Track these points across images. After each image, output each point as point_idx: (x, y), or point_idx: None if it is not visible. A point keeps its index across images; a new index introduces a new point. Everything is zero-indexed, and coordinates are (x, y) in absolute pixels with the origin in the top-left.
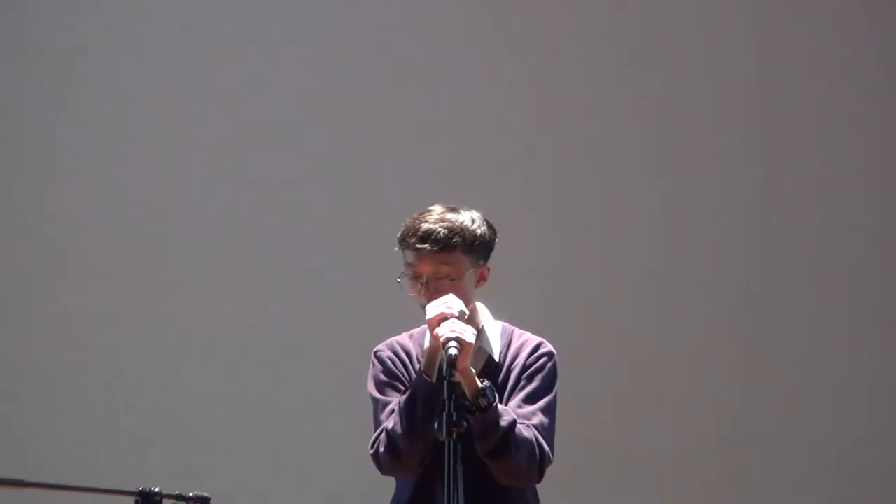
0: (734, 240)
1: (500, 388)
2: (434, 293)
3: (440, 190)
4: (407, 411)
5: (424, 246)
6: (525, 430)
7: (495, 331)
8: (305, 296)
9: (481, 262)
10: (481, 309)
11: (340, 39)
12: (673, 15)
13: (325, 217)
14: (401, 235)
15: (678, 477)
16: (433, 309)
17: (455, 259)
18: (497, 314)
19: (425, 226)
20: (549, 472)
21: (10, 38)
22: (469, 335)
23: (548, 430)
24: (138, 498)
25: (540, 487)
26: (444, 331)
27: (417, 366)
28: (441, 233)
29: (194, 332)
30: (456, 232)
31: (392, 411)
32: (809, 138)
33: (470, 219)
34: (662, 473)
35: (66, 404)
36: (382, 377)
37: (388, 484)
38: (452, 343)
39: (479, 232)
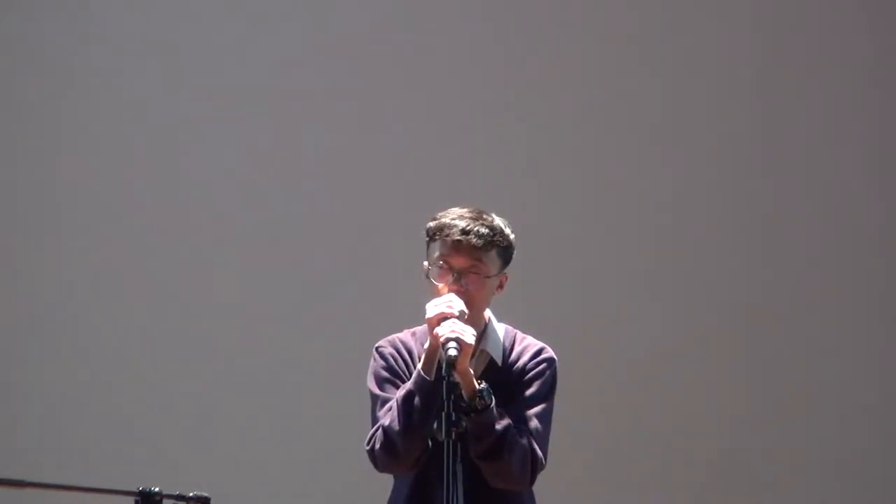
0: (734, 240)
1: (501, 392)
2: (463, 288)
3: (440, 190)
4: (404, 409)
5: (466, 238)
6: (519, 435)
7: (498, 333)
8: (304, 295)
9: (505, 270)
10: (486, 312)
11: (341, 39)
12: (674, 16)
13: (324, 217)
14: (435, 227)
15: (678, 477)
16: (433, 308)
17: (490, 258)
18: (499, 316)
19: (465, 221)
20: (547, 473)
21: (11, 37)
22: (469, 336)
23: (542, 436)
24: (138, 498)
25: (537, 489)
26: (443, 331)
27: (419, 364)
28: (482, 230)
29: (194, 333)
30: (496, 232)
31: (390, 408)
32: (810, 138)
33: (503, 223)
34: (662, 474)
35: (66, 404)
36: (383, 373)
37: (389, 484)
38: (452, 344)
39: (511, 238)
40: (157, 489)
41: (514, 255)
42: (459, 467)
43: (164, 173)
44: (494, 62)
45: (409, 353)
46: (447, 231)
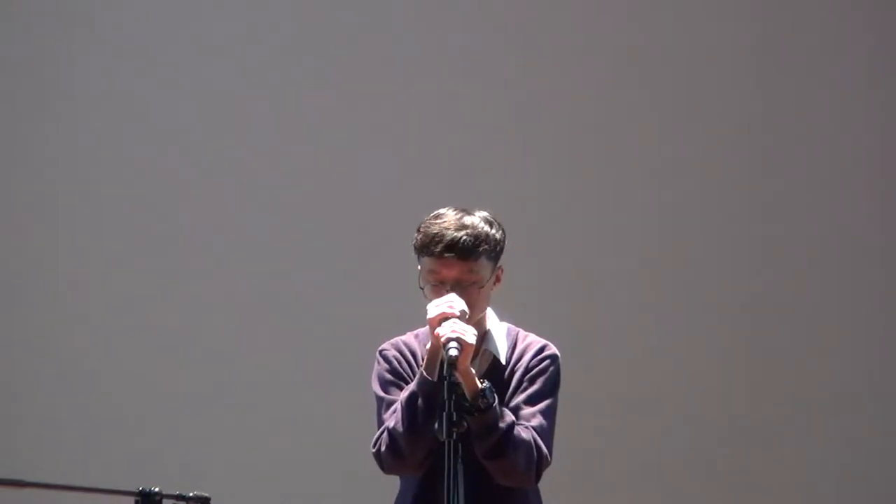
0: (734, 239)
1: (505, 390)
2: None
3: (440, 190)
4: (408, 410)
5: (451, 253)
6: (523, 432)
7: (501, 332)
8: (305, 295)
9: (499, 266)
10: (487, 311)
11: (340, 39)
12: (673, 15)
13: (325, 216)
14: (420, 243)
15: (678, 477)
16: (434, 308)
17: (480, 266)
18: (500, 315)
19: (449, 233)
20: (551, 472)
21: (11, 38)
22: (469, 335)
23: (547, 433)
24: (138, 498)
25: (542, 487)
26: (444, 331)
27: (422, 365)
28: (467, 241)
29: (194, 332)
30: (482, 240)
31: (395, 411)
32: (810, 136)
33: (486, 222)
34: (662, 474)
35: (66, 404)
36: (387, 376)
37: (389, 483)
38: (453, 343)
39: (498, 237)
40: (157, 489)
41: (514, 253)
42: (460, 467)
43: (164, 174)
44: (492, 60)
45: (413, 354)
46: (432, 248)
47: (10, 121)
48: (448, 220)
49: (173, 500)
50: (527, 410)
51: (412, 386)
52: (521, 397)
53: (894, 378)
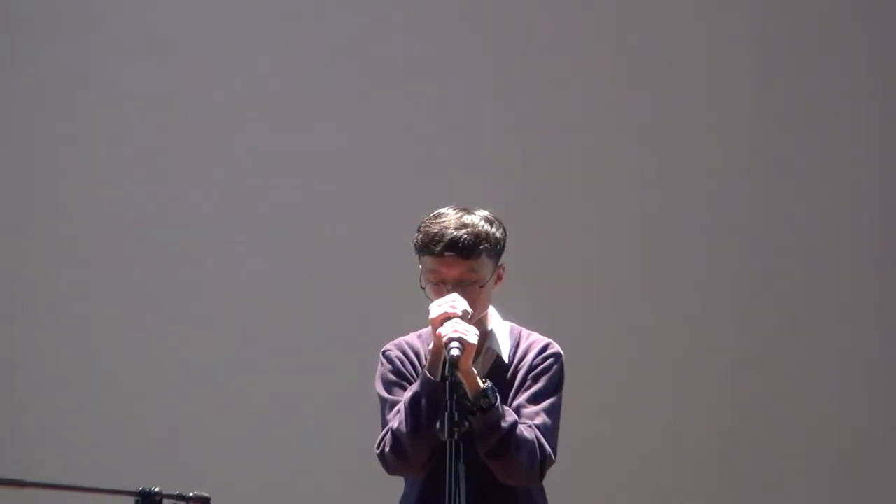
0: (733, 240)
1: (508, 389)
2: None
3: (440, 190)
4: (411, 411)
5: (451, 254)
6: (526, 431)
7: (504, 332)
8: (307, 295)
9: (500, 264)
10: (490, 310)
11: (341, 38)
12: (673, 15)
13: (325, 216)
14: (421, 242)
15: (679, 476)
16: (437, 308)
17: (481, 265)
18: (503, 314)
19: (449, 232)
20: (554, 471)
21: (12, 39)
22: (471, 335)
23: (550, 431)
24: (138, 498)
25: (546, 486)
26: (446, 331)
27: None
28: (467, 240)
29: (195, 332)
30: (482, 238)
31: (398, 411)
32: (809, 137)
33: (487, 220)
34: (663, 473)
35: (67, 404)
36: (390, 376)
37: (390, 484)
38: (455, 343)
39: (498, 235)
40: (157, 489)
41: (515, 252)
42: (462, 467)
43: (165, 176)
44: (493, 60)
45: (416, 354)
46: (433, 247)
47: (9, 121)
48: (448, 219)
49: (173, 500)
50: (530, 409)
51: (415, 386)
52: (524, 396)
53: (894, 378)
